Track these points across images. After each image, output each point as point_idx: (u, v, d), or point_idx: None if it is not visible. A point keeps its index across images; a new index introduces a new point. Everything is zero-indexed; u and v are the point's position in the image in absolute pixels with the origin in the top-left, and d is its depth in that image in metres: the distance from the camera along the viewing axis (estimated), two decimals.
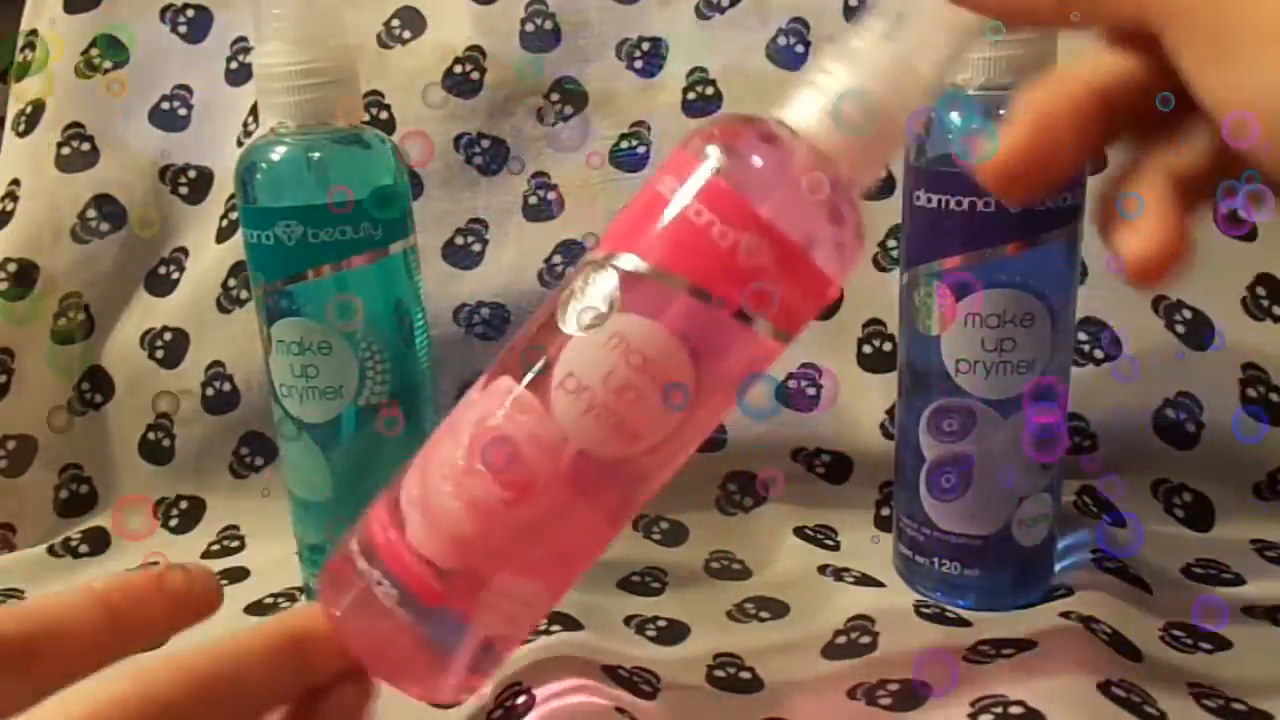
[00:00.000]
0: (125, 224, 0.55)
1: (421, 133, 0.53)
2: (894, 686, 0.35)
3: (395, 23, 0.54)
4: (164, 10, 0.56)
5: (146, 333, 0.54)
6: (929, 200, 0.37)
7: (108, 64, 0.56)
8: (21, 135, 0.56)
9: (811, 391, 0.50)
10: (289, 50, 0.36)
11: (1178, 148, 0.24)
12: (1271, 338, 0.47)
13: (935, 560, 0.40)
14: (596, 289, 0.25)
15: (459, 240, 0.53)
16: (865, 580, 0.43)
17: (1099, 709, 0.32)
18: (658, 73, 0.53)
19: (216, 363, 0.53)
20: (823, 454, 0.49)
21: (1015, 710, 0.32)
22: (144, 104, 0.56)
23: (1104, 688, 0.33)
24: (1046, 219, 0.35)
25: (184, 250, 0.55)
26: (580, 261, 0.26)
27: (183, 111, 0.56)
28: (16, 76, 0.57)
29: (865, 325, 0.51)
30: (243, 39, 0.56)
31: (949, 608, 0.40)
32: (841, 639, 0.38)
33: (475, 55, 0.53)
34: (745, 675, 0.37)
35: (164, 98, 0.56)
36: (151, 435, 0.53)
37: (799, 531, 0.47)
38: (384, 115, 0.53)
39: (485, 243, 0.53)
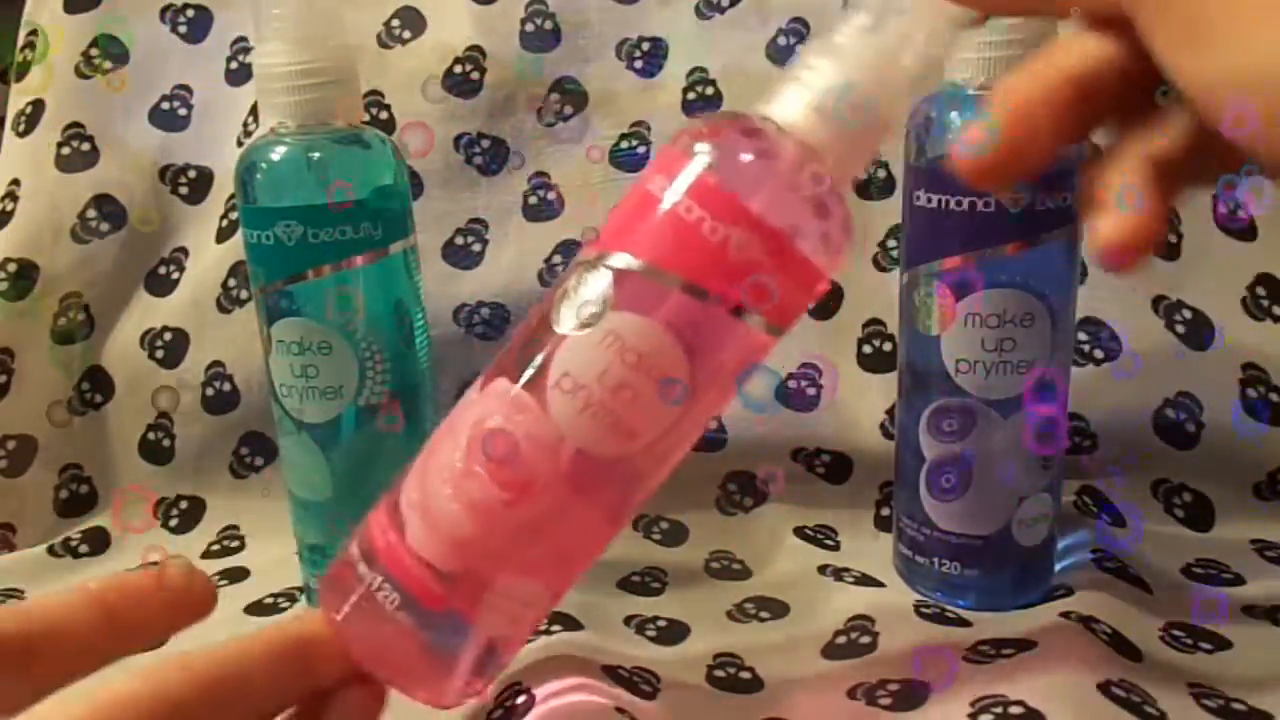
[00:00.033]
0: (125, 224, 0.55)
1: (421, 123, 0.53)
2: (894, 686, 0.35)
3: (395, 23, 0.54)
4: (164, 10, 0.56)
5: (146, 333, 0.54)
6: (929, 200, 0.37)
7: (108, 64, 0.56)
8: (21, 135, 0.56)
9: (811, 391, 0.50)
10: (289, 50, 0.36)
11: (1156, 132, 0.24)
12: (1271, 338, 0.47)
13: (935, 560, 0.40)
14: (590, 288, 0.25)
15: (459, 240, 0.53)
16: (865, 580, 0.43)
17: (1099, 709, 0.32)
18: (658, 73, 0.53)
19: (216, 363, 0.53)
20: (823, 454, 0.49)
21: (1015, 710, 0.32)
22: (144, 104, 0.56)
23: (1104, 688, 0.33)
24: (1046, 219, 0.35)
25: (184, 250, 0.55)
26: (573, 261, 0.26)
27: (183, 111, 0.56)
28: (17, 76, 0.57)
29: (865, 325, 0.51)
30: (243, 39, 0.56)
31: (949, 608, 0.40)
32: (841, 639, 0.38)
33: (475, 55, 0.53)
34: (745, 675, 0.37)
35: (164, 98, 0.56)
36: (151, 435, 0.53)
37: (799, 531, 0.47)
38: (384, 115, 0.53)
39: (485, 243, 0.53)
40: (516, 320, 0.52)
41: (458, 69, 0.53)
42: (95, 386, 0.54)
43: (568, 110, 0.53)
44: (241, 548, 0.50)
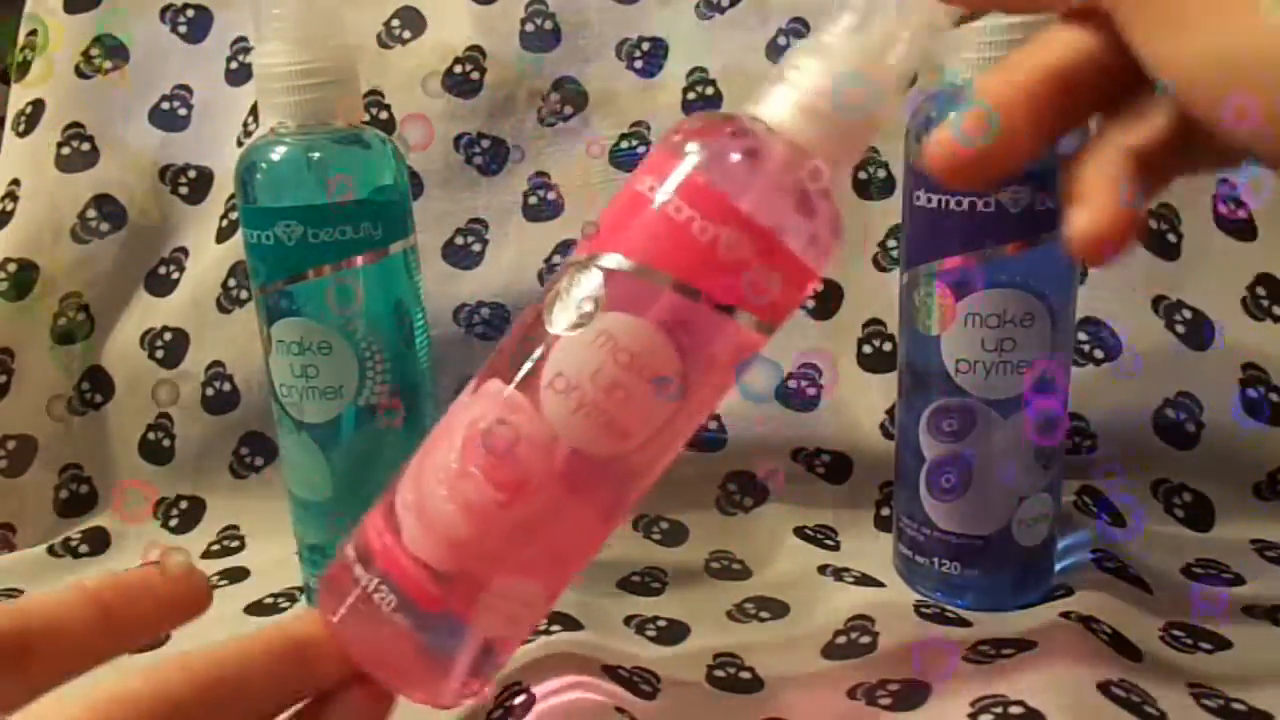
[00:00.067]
0: (125, 224, 0.55)
1: (421, 116, 0.53)
2: (894, 686, 0.35)
3: (395, 23, 0.54)
4: (164, 10, 0.56)
5: (146, 333, 0.54)
6: (929, 200, 0.37)
7: (108, 64, 0.56)
8: (21, 135, 0.56)
9: (811, 391, 0.50)
10: (289, 50, 0.36)
11: (1137, 124, 0.24)
12: (1271, 338, 0.47)
13: (935, 560, 0.40)
14: (581, 289, 0.26)
15: (459, 240, 0.53)
16: (865, 580, 0.43)
17: (1099, 709, 0.32)
18: (658, 73, 0.53)
19: (216, 363, 0.53)
20: (823, 454, 0.49)
21: (1015, 710, 0.32)
22: (144, 104, 0.56)
23: (1104, 688, 0.33)
24: (1046, 219, 0.35)
25: (184, 250, 0.55)
26: (564, 262, 0.27)
27: (183, 111, 0.56)
28: (17, 76, 0.57)
29: (865, 325, 0.51)
30: (243, 39, 0.56)
31: (949, 608, 0.40)
32: (841, 639, 0.38)
33: (475, 55, 0.53)
34: (745, 675, 0.37)
35: (164, 98, 0.56)
36: (151, 435, 0.53)
37: (799, 531, 0.47)
38: (384, 115, 0.53)
39: (485, 243, 0.53)
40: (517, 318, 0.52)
41: (458, 69, 0.53)
42: (95, 386, 0.54)
43: (568, 110, 0.53)
44: (241, 548, 0.50)
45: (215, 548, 0.50)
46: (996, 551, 0.39)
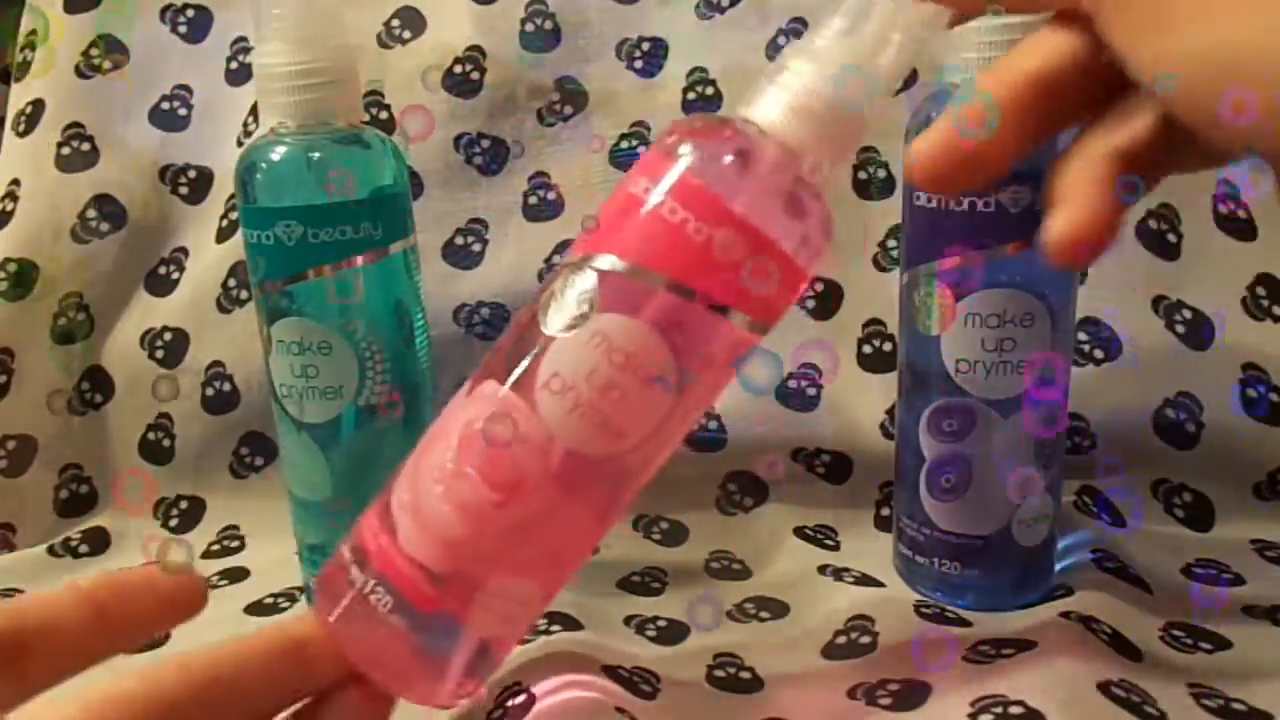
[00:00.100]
0: (125, 224, 0.55)
1: (421, 107, 0.53)
2: (894, 686, 0.35)
3: (395, 23, 0.54)
4: (164, 10, 0.56)
5: (146, 333, 0.54)
6: (929, 200, 0.37)
7: (108, 64, 0.56)
8: (21, 135, 0.56)
9: (811, 391, 0.50)
10: (289, 50, 0.36)
11: (1119, 127, 0.24)
12: (1271, 338, 0.47)
13: (935, 560, 0.40)
14: (576, 290, 0.26)
15: (459, 240, 0.53)
16: (865, 580, 0.43)
17: (1099, 709, 0.32)
18: (658, 73, 0.53)
19: (216, 363, 0.53)
20: (823, 454, 0.49)
21: (1015, 710, 0.32)
22: (144, 104, 0.56)
23: (1104, 688, 0.33)
24: None
25: (184, 250, 0.55)
26: (558, 264, 0.27)
27: (183, 111, 0.56)
28: (17, 76, 0.57)
29: (865, 325, 0.51)
30: (243, 39, 0.56)
31: (949, 608, 0.40)
32: (841, 639, 0.38)
33: (475, 55, 0.53)
34: (745, 675, 0.37)
35: (164, 98, 0.56)
36: (151, 435, 0.53)
37: (799, 531, 0.47)
38: (384, 115, 0.53)
39: (485, 243, 0.53)
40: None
41: (458, 69, 0.53)
42: (95, 386, 0.54)
43: (568, 110, 0.53)
44: (241, 548, 0.50)
45: (215, 548, 0.50)
46: (996, 551, 0.39)
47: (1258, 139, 0.20)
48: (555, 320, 0.26)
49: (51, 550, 0.50)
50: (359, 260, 0.37)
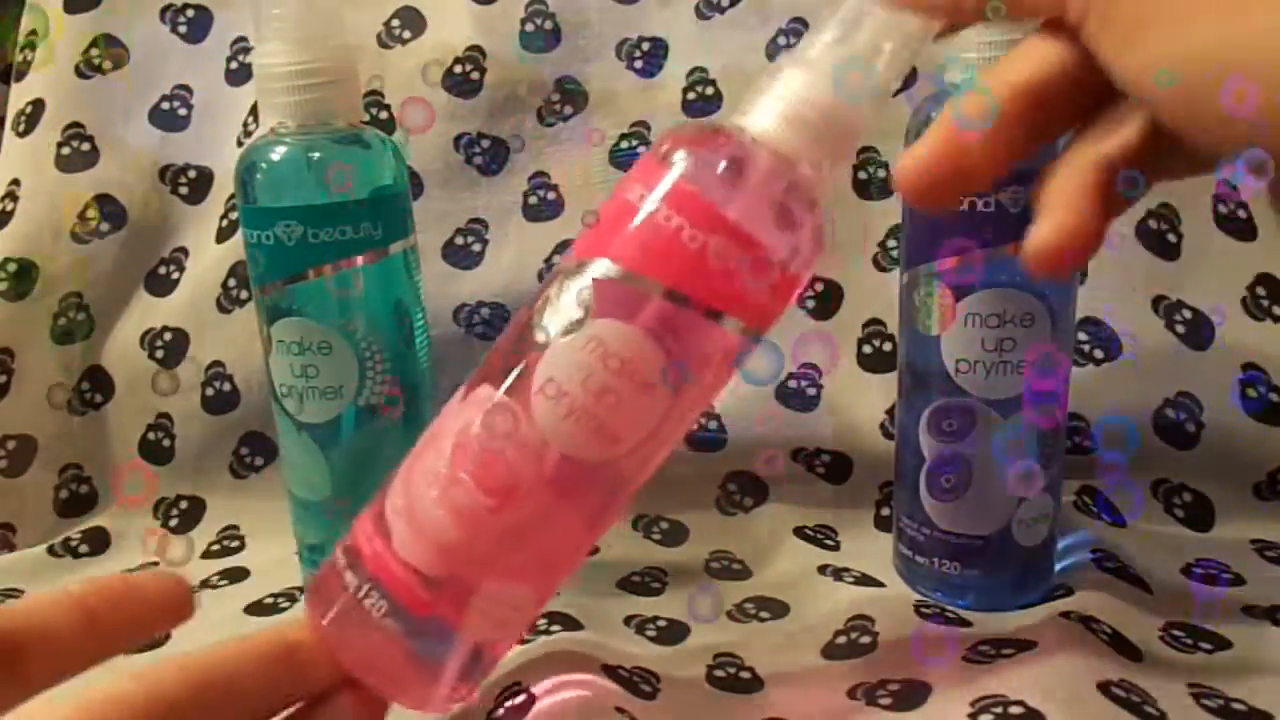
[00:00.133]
0: (125, 224, 0.55)
1: (421, 99, 0.53)
2: (894, 686, 0.35)
3: (395, 23, 0.54)
4: (164, 10, 0.56)
5: (146, 333, 0.54)
6: None
7: (108, 64, 0.56)
8: (21, 135, 0.56)
9: (811, 391, 0.50)
10: (289, 50, 0.36)
11: (1107, 136, 0.24)
12: (1271, 338, 0.47)
13: (935, 560, 0.40)
14: (571, 295, 0.26)
15: (459, 240, 0.53)
16: (865, 580, 0.43)
17: (1099, 709, 0.32)
18: (658, 73, 0.53)
19: (216, 363, 0.53)
20: (823, 454, 0.49)
21: (1015, 710, 0.32)
22: (144, 104, 0.56)
23: (1104, 688, 0.33)
24: None
25: (184, 250, 0.55)
26: (553, 270, 0.27)
27: (183, 111, 0.56)
28: (17, 76, 0.57)
29: (865, 325, 0.51)
30: (243, 39, 0.56)
31: (949, 608, 0.40)
32: (841, 639, 0.38)
33: (475, 55, 0.53)
34: (745, 675, 0.37)
35: (164, 98, 0.56)
36: (151, 435, 0.53)
37: (799, 531, 0.47)
38: (384, 115, 0.53)
39: (485, 243, 0.53)
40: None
41: (458, 69, 0.53)
42: (95, 386, 0.54)
43: (568, 110, 0.53)
44: (241, 548, 0.50)
45: (215, 548, 0.50)
46: (996, 551, 0.39)
47: (1256, 134, 0.20)
48: (551, 326, 0.26)
49: (51, 550, 0.50)
50: (359, 260, 0.37)
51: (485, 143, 0.53)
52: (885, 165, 0.51)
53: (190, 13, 0.57)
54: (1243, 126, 0.20)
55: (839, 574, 0.43)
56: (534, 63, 0.53)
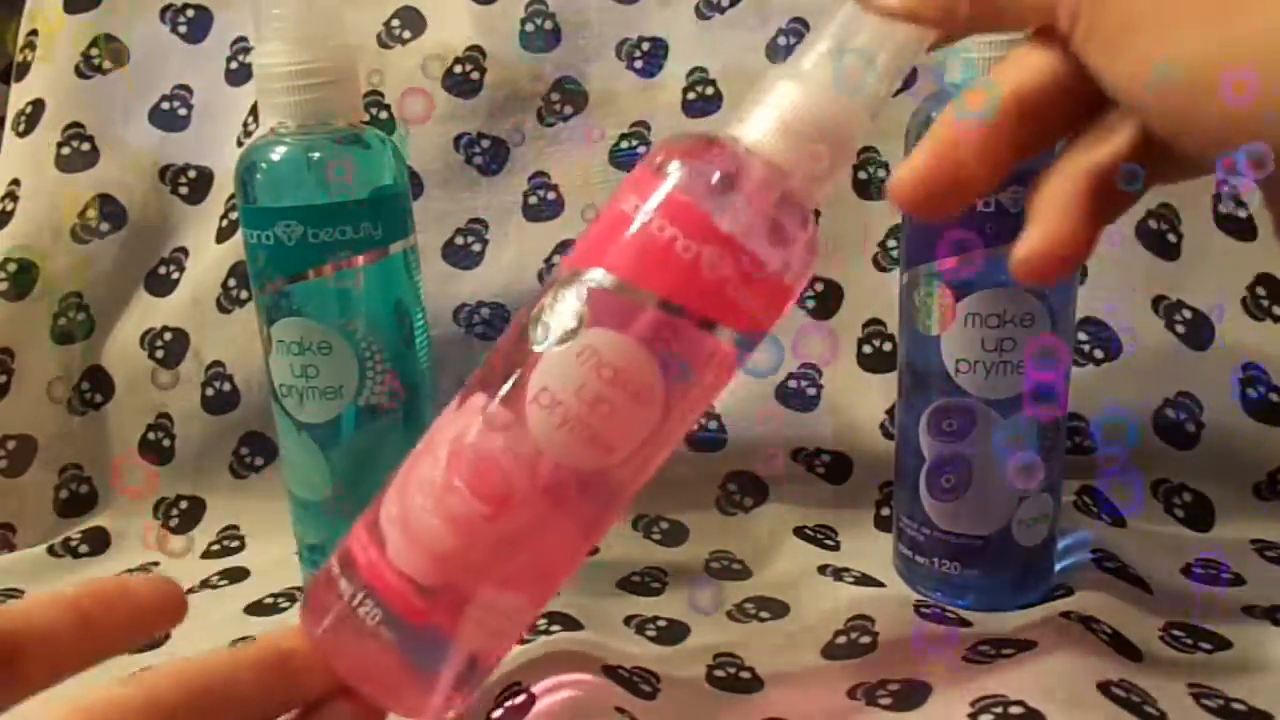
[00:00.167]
0: (125, 224, 0.55)
1: (421, 90, 0.53)
2: (894, 686, 0.35)
3: (395, 23, 0.54)
4: (164, 10, 0.56)
5: (146, 333, 0.54)
6: None
7: (108, 64, 0.56)
8: (21, 135, 0.56)
9: (811, 391, 0.50)
10: (289, 50, 0.36)
11: (1097, 145, 0.24)
12: (1271, 338, 0.47)
13: (935, 560, 0.40)
14: (566, 305, 0.26)
15: (459, 240, 0.53)
16: (865, 580, 0.43)
17: (1099, 709, 0.32)
18: (658, 73, 0.53)
19: (216, 363, 0.53)
20: (823, 454, 0.49)
21: (1015, 710, 0.32)
22: (144, 104, 0.56)
23: (1104, 688, 0.33)
24: None
25: (184, 250, 0.55)
26: (548, 279, 0.27)
27: (183, 111, 0.56)
28: (17, 76, 0.57)
29: (865, 325, 0.51)
30: (243, 39, 0.56)
31: (949, 608, 0.40)
32: (841, 639, 0.38)
33: (475, 55, 0.53)
34: (745, 675, 0.37)
35: (164, 98, 0.56)
36: (151, 435, 0.53)
37: (799, 531, 0.47)
38: (384, 115, 0.53)
39: (485, 243, 0.53)
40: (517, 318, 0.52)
41: (458, 69, 0.53)
42: (95, 386, 0.54)
43: (568, 110, 0.53)
44: (241, 548, 0.50)
45: (215, 548, 0.50)
46: (996, 551, 0.39)
47: (1256, 125, 0.20)
48: (545, 335, 0.26)
49: (51, 550, 0.50)
50: (359, 260, 0.37)
51: (485, 143, 0.53)
52: (885, 165, 0.51)
53: (190, 13, 0.57)
54: (1234, 132, 0.20)
55: (839, 574, 0.43)
56: (534, 63, 0.53)
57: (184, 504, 0.52)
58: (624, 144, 0.53)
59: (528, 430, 0.26)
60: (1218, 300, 0.48)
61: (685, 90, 0.53)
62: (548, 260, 0.52)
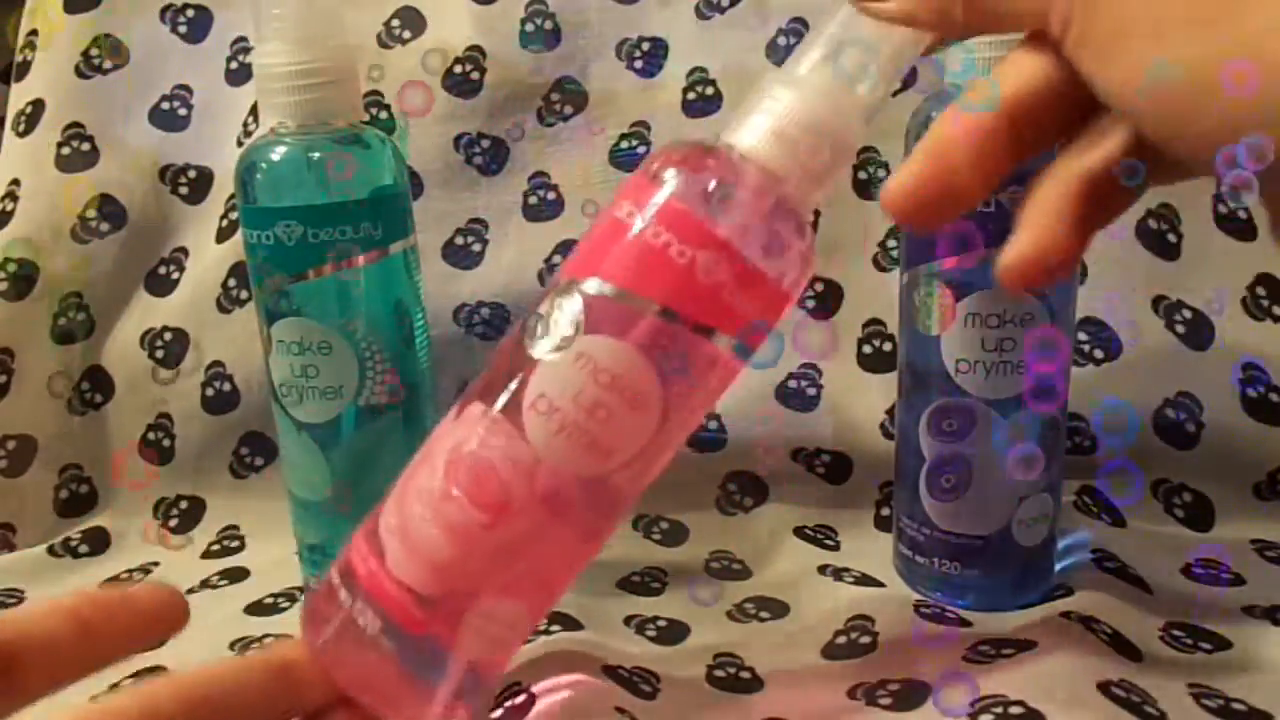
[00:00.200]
0: (125, 224, 0.55)
1: (421, 83, 0.53)
2: (894, 686, 0.35)
3: (395, 23, 0.54)
4: (164, 10, 0.56)
5: (146, 333, 0.54)
6: None
7: (108, 64, 0.56)
8: (21, 135, 0.56)
9: (811, 391, 0.50)
10: (289, 50, 0.36)
11: (1089, 150, 0.24)
12: (1271, 338, 0.47)
13: (935, 560, 0.40)
14: (563, 313, 0.26)
15: (459, 240, 0.53)
16: (865, 580, 0.43)
17: (1099, 709, 0.32)
18: (658, 73, 0.53)
19: (216, 363, 0.53)
20: (823, 454, 0.49)
21: (1015, 710, 0.32)
22: (144, 104, 0.56)
23: (1104, 688, 0.33)
24: None
25: (184, 250, 0.55)
26: (545, 289, 0.27)
27: (183, 111, 0.56)
28: (17, 76, 0.57)
29: (865, 325, 0.51)
30: (243, 39, 0.56)
31: (949, 608, 0.40)
32: (841, 639, 0.38)
33: (475, 55, 0.53)
34: (745, 675, 0.37)
35: (164, 98, 0.56)
36: (151, 435, 0.53)
37: (799, 531, 0.47)
38: (384, 115, 0.53)
39: (485, 243, 0.53)
40: (517, 320, 0.52)
41: (458, 69, 0.53)
42: (95, 386, 0.54)
43: (568, 110, 0.53)
44: (241, 548, 0.50)
45: (215, 548, 0.50)
46: (996, 551, 0.39)
47: (1260, 113, 0.20)
48: (541, 343, 0.26)
49: (51, 550, 0.50)
50: (359, 260, 0.37)
51: (485, 143, 0.53)
52: (885, 165, 0.51)
53: (190, 13, 0.57)
54: (1231, 133, 0.20)
55: (839, 574, 0.43)
56: (534, 63, 0.53)
57: (184, 504, 0.52)
58: (624, 144, 0.53)
59: (526, 438, 0.26)
60: (1218, 303, 0.48)
61: (685, 90, 0.53)
62: (548, 260, 0.52)
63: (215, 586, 0.46)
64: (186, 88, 0.56)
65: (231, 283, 0.53)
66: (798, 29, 0.52)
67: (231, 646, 0.40)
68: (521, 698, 0.33)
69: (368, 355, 0.38)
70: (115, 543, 0.50)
